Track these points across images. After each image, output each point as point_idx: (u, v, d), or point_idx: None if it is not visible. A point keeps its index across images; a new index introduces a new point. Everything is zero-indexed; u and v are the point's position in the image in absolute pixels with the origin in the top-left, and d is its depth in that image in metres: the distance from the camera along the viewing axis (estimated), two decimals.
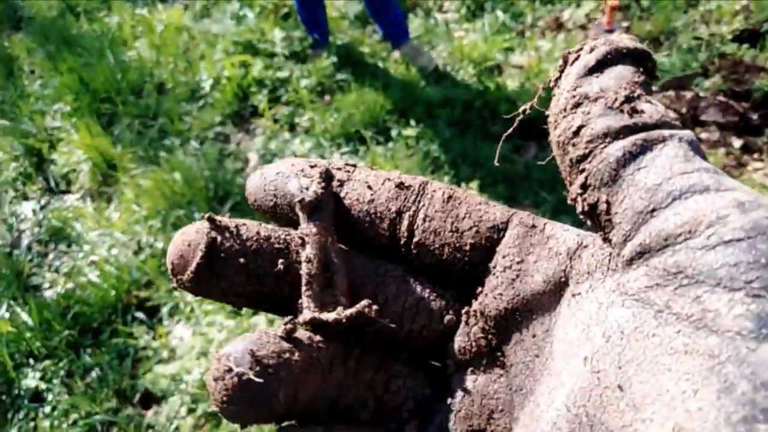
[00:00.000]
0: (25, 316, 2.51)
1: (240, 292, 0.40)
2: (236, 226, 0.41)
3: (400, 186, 0.42)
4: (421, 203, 0.42)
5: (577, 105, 0.35)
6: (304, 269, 0.40)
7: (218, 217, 0.41)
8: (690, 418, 0.26)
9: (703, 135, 2.86)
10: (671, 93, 2.99)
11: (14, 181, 3.27)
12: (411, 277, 0.42)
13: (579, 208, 0.35)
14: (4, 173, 3.30)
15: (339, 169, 0.44)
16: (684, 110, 2.91)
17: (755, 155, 2.78)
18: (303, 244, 0.41)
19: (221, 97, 3.40)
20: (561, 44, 3.37)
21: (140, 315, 2.51)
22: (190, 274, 0.39)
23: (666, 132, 0.32)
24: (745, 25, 3.11)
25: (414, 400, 0.41)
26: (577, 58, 0.36)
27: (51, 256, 2.90)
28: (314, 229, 0.41)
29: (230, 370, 0.34)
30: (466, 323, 0.41)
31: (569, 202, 0.36)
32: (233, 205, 2.84)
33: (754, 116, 2.84)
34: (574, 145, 0.34)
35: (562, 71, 0.37)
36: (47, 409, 2.26)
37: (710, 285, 0.28)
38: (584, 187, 0.34)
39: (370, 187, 0.43)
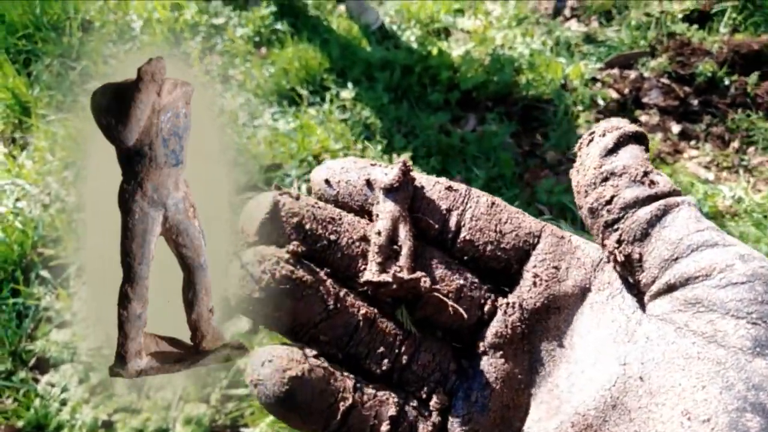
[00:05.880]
0: None
1: (297, 251, 0.46)
2: (298, 195, 0.47)
3: (449, 188, 0.48)
4: (468, 204, 0.48)
5: (605, 179, 0.44)
6: (373, 239, 0.46)
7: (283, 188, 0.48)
8: (696, 405, 0.36)
9: (643, 118, 2.80)
10: (616, 71, 2.91)
11: None
12: (456, 265, 0.47)
13: (617, 258, 0.43)
14: None
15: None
16: (627, 90, 2.84)
17: (692, 142, 2.74)
18: (376, 219, 0.47)
19: (151, 40, 3.18)
20: (511, 10, 3.23)
21: (45, 274, 2.39)
22: (255, 227, 0.45)
23: (678, 198, 0.42)
24: (696, 6, 3.02)
25: (441, 373, 0.46)
26: (591, 140, 0.46)
27: None
28: (389, 207, 0.46)
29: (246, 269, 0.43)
30: (505, 312, 0.46)
31: (605, 255, 0.45)
32: None
33: (695, 102, 2.79)
34: (608, 211, 0.43)
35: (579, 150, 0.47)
36: None
37: (721, 313, 0.37)
38: (619, 242, 0.43)
39: (423, 187, 0.48)
